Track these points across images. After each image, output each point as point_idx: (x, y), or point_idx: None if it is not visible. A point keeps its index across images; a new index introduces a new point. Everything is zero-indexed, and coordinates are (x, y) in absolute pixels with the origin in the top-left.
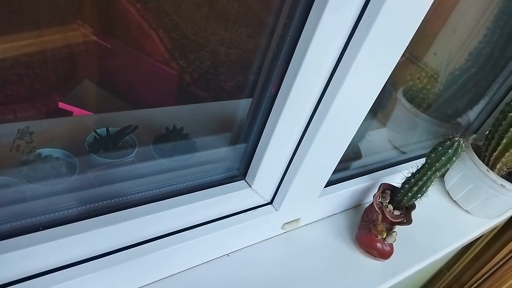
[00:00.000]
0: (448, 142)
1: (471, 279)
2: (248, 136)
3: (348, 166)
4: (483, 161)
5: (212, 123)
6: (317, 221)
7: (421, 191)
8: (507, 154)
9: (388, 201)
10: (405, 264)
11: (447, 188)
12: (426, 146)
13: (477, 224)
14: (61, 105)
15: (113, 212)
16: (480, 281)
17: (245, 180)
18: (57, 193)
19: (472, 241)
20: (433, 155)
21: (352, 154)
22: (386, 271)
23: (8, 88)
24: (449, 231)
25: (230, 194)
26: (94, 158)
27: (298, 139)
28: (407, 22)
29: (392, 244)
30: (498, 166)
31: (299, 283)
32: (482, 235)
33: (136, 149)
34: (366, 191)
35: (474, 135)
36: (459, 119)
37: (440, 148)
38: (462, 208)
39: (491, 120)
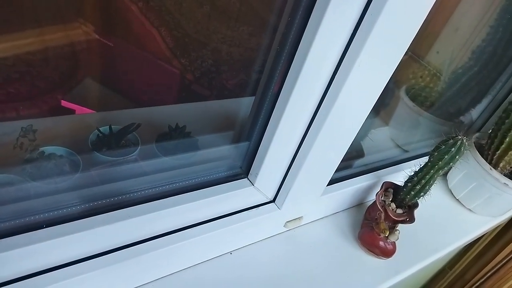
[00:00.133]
0: (451, 141)
1: (473, 277)
2: (250, 134)
3: (351, 164)
4: (486, 160)
5: (215, 121)
6: (319, 219)
7: (424, 190)
8: (510, 152)
9: (390, 199)
10: (408, 262)
11: (449, 186)
12: (428, 144)
13: (480, 223)
14: (64, 103)
15: (116, 210)
16: (483, 279)
17: (248, 178)
18: (60, 191)
19: (475, 240)
20: (436, 153)
21: (354, 153)
22: (389, 269)
23: (10, 87)
24: (451, 229)
25: (233, 192)
26: (97, 156)
27: (301, 137)
28: (410, 20)
29: (394, 242)
30: (501, 164)
31: (302, 281)
32: (485, 234)
33: (139, 147)
34: (368, 190)
35: (477, 134)
36: (461, 118)
37: (443, 146)
38: (465, 207)
39: (494, 118)
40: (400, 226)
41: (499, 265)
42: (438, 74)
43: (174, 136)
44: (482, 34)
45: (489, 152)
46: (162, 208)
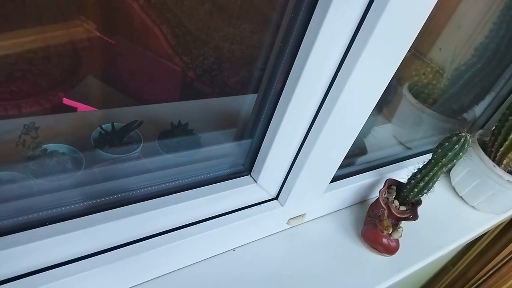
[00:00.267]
0: (455, 138)
1: (476, 275)
2: (253, 132)
3: (354, 161)
4: (489, 157)
5: (217, 118)
6: (322, 216)
7: (427, 187)
8: None
9: (394, 196)
10: (411, 259)
11: (453, 184)
12: (431, 141)
13: (483, 220)
14: (66, 101)
15: (119, 208)
16: (486, 277)
17: (251, 176)
18: (63, 188)
19: (478, 237)
20: (439, 150)
21: (357, 150)
22: (392, 266)
23: (13, 84)
24: (454, 227)
25: (236, 189)
26: (99, 154)
27: (304, 134)
28: (414, 17)
29: (398, 239)
30: (504, 161)
31: (305, 277)
32: (488, 231)
33: (142, 144)
34: (371, 187)
35: (480, 131)
36: (465, 115)
37: (447, 143)
38: (468, 204)
39: (497, 115)
40: (403, 223)
41: (501, 263)
42: (441, 71)
43: (176, 134)
44: (485, 31)
45: (493, 149)
46: (164, 205)
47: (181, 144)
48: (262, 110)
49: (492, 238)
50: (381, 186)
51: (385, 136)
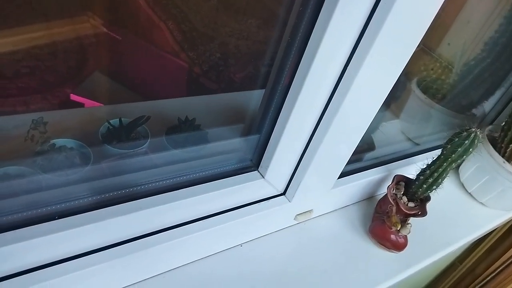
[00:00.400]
0: (465, 133)
1: (484, 272)
2: (261, 127)
3: (362, 157)
4: (499, 153)
5: (224, 114)
6: (330, 212)
7: (436, 183)
8: None
9: (402, 192)
10: (419, 256)
11: (461, 180)
12: (440, 137)
13: (493, 216)
14: (73, 97)
15: (126, 202)
16: (494, 274)
17: (258, 171)
18: (71, 183)
19: (486, 234)
20: (449, 146)
21: (365, 146)
22: (400, 263)
23: (20, 81)
24: (463, 223)
25: (243, 184)
26: (107, 149)
27: (312, 130)
28: (424, 10)
29: (406, 236)
30: None
31: (312, 273)
32: (496, 228)
33: (149, 140)
34: (379, 183)
35: (490, 126)
36: (474, 110)
37: (457, 139)
38: (477, 200)
39: (507, 110)
40: (411, 220)
41: (510, 260)
42: (449, 66)
43: (183, 129)
44: (495, 25)
45: (502, 145)
46: (172, 200)
47: (189, 140)
48: (270, 105)
49: (500, 235)
50: (389, 182)
51: (393, 132)
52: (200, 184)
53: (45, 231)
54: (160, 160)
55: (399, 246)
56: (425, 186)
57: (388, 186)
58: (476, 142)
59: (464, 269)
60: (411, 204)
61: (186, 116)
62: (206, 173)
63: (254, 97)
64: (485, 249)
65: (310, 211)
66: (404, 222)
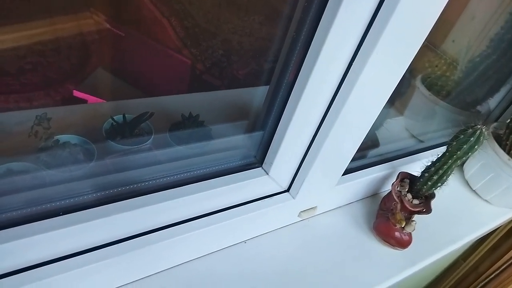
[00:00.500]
0: (470, 130)
1: (487, 270)
2: (265, 124)
3: (366, 154)
4: (504, 150)
5: (227, 111)
6: (334, 209)
7: (441, 180)
8: None
9: (407, 190)
10: (424, 253)
11: (466, 177)
12: (444, 134)
13: (497, 214)
14: (76, 93)
15: (130, 199)
16: (497, 272)
17: (262, 168)
18: (75, 179)
19: (490, 232)
20: (454, 143)
21: (369, 142)
22: (405, 260)
23: (23, 77)
24: (468, 220)
25: (247, 181)
26: (111, 145)
27: (316, 127)
28: (430, 5)
29: (410, 233)
30: None
31: (315, 270)
32: (500, 226)
33: (153, 136)
34: (383, 180)
35: (495, 124)
36: (479, 107)
37: (462, 136)
38: (482, 198)
39: None
40: (415, 217)
41: None
42: (454, 63)
43: (187, 125)
44: (501, 21)
45: (507, 143)
46: (176, 197)
47: (192, 136)
48: (274, 102)
49: (505, 233)
50: (393, 179)
51: (397, 129)
52: (204, 180)
53: (49, 227)
54: (164, 156)
55: (403, 243)
56: (430, 183)
57: (393, 183)
58: (481, 139)
59: (467, 267)
60: (415, 201)
61: (190, 113)
62: (209, 169)
63: (257, 94)
64: (489, 247)
65: (314, 208)
66: (408, 219)
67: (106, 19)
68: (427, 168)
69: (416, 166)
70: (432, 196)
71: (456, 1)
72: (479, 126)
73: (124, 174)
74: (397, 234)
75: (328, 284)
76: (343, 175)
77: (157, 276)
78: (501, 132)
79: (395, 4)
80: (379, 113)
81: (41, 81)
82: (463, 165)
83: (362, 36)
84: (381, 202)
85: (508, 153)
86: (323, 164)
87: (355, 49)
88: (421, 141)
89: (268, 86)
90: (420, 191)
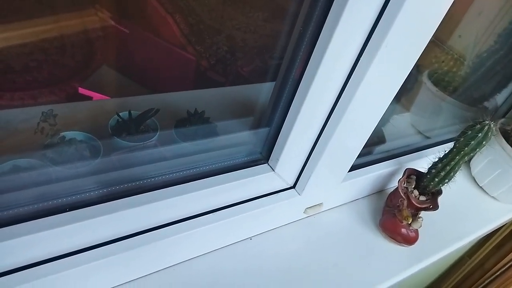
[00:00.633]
0: (478, 126)
1: (493, 267)
2: (270, 120)
3: (372, 150)
4: (511, 146)
5: (232, 107)
6: (340, 206)
7: (448, 176)
8: None
9: (413, 186)
10: (430, 250)
11: (473, 174)
12: (451, 131)
13: (504, 211)
14: (81, 90)
15: (136, 195)
16: (503, 269)
17: (268, 164)
18: (81, 175)
19: (496, 229)
20: (462, 139)
21: (375, 139)
22: (411, 257)
23: (28, 74)
24: (474, 217)
25: (253, 177)
26: (117, 141)
27: (323, 123)
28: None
29: (417, 230)
30: None
31: (321, 267)
32: (506, 223)
33: (158, 132)
34: (390, 176)
35: (502, 120)
36: (486, 103)
37: (470, 131)
38: (489, 194)
39: None
40: (421, 213)
41: None
42: (461, 59)
43: (193, 122)
44: (509, 16)
45: None
46: (182, 193)
47: (198, 133)
48: (280, 98)
49: (510, 230)
50: (400, 175)
51: (403, 126)
52: (210, 177)
53: (55, 223)
54: (170, 153)
55: (410, 240)
56: (437, 179)
57: (399, 180)
58: (489, 134)
59: (473, 264)
60: (422, 198)
61: (195, 109)
62: (215, 166)
63: (262, 91)
64: (495, 243)
65: (320, 204)
66: (415, 216)
67: (110, 16)
68: (434, 164)
69: (422, 162)
70: (439, 192)
71: None
72: (487, 122)
73: (130, 170)
74: (403, 230)
75: (333, 281)
76: (349, 171)
77: (163, 273)
78: (509, 128)
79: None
80: (385, 109)
81: (46, 78)
82: (470, 162)
83: (369, 32)
84: (387, 198)
85: None
86: (329, 160)
87: (361, 45)
88: (428, 137)
89: (272, 83)
90: (427, 188)
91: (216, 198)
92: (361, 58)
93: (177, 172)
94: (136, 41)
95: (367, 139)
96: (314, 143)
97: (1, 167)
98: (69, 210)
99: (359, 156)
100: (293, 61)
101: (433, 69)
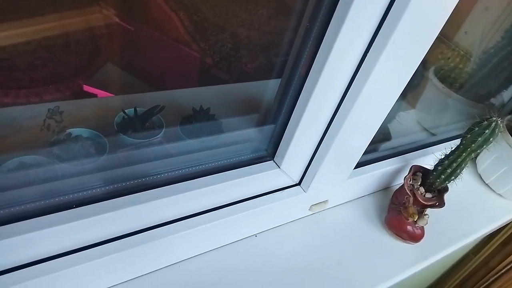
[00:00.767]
0: (485, 122)
1: (498, 265)
2: (276, 117)
3: (378, 147)
4: None
5: (237, 104)
6: (345, 203)
7: (455, 173)
8: None
9: (419, 183)
10: (436, 247)
11: (479, 171)
12: (457, 127)
13: (510, 208)
14: (86, 88)
15: (141, 192)
16: (508, 267)
17: (274, 161)
18: (88, 172)
19: (501, 226)
20: (469, 135)
21: (381, 136)
22: (417, 254)
23: (33, 72)
24: (480, 214)
25: (258, 174)
26: (123, 138)
27: (329, 120)
28: None
29: (423, 227)
30: None
31: (326, 264)
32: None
33: (164, 129)
34: (396, 173)
35: (509, 116)
36: (492, 100)
37: (477, 128)
38: (495, 192)
39: None
40: (427, 211)
41: None
42: (467, 55)
43: (198, 119)
44: None
45: None
46: (187, 190)
47: (203, 130)
48: (286, 95)
49: None
50: (405, 172)
51: (408, 123)
52: (215, 174)
53: (60, 220)
54: (175, 150)
55: (415, 237)
56: (443, 176)
57: (405, 177)
58: (496, 131)
59: (478, 262)
60: (428, 195)
61: (201, 106)
62: (220, 163)
63: (267, 88)
64: (500, 241)
65: (325, 201)
66: (421, 213)
67: (115, 13)
68: (441, 161)
69: (428, 159)
70: (445, 189)
71: None
72: (494, 118)
73: (135, 167)
74: (409, 228)
75: (339, 278)
76: (354, 168)
77: (168, 270)
78: None
79: None
80: (391, 107)
81: (51, 76)
82: (476, 159)
83: (376, 29)
84: (393, 195)
85: None
86: (335, 158)
87: (368, 42)
88: (433, 134)
89: (277, 80)
90: (433, 185)
91: (221, 195)
92: (367, 55)
93: (182, 169)
94: (140, 39)
95: (373, 136)
96: (320, 140)
97: (8, 164)
98: (76, 207)
99: (365, 153)
100: (299, 58)
101: (439, 65)
